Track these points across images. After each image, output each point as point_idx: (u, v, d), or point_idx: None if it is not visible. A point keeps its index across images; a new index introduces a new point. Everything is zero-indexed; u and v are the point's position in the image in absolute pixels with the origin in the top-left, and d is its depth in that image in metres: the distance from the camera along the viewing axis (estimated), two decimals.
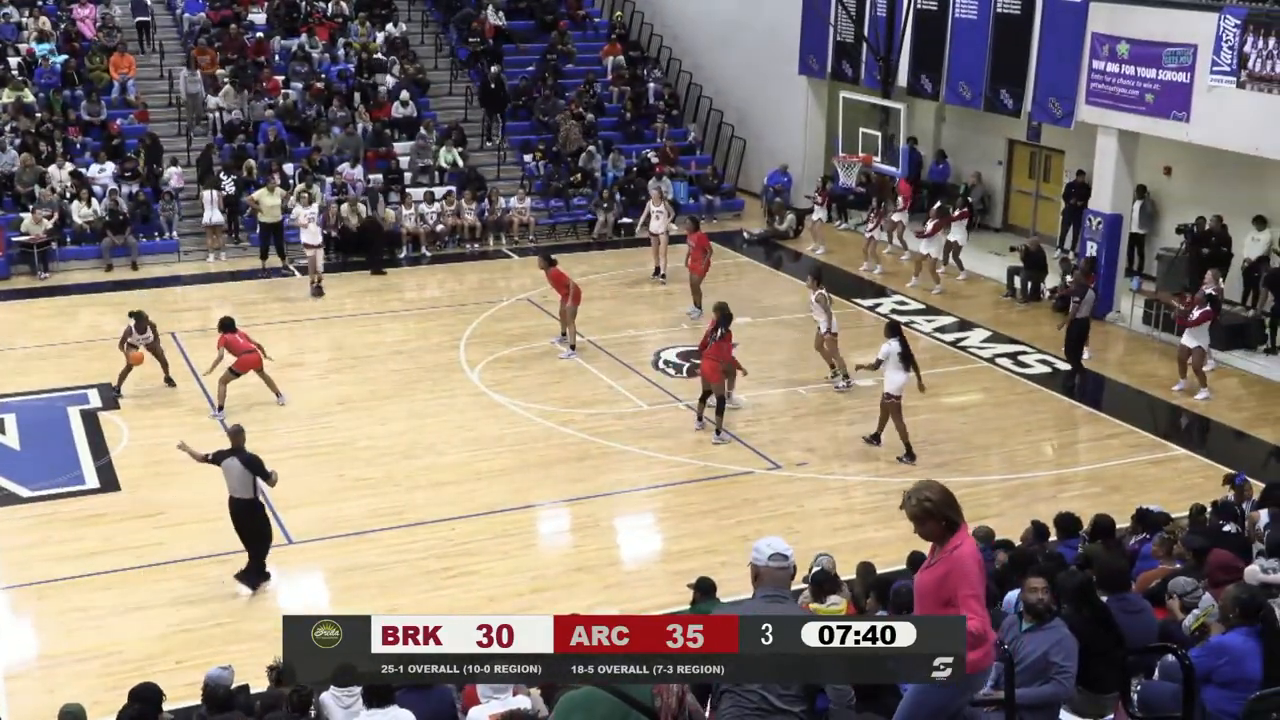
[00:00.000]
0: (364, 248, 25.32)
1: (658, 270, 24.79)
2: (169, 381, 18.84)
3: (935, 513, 6.03)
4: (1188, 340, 18.84)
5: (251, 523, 13.45)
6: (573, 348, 20.36)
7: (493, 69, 29.30)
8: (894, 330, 16.81)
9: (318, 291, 23.34)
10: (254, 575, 13.49)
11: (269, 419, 17.72)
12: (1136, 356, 20.84)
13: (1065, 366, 20.08)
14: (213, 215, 25.37)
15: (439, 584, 13.61)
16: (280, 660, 9.63)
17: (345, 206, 25.57)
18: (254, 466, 13.31)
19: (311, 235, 23.32)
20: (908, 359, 16.47)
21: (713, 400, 17.19)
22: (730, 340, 17.14)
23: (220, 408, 17.79)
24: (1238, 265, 22.05)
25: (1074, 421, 18.53)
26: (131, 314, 18.54)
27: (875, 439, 16.95)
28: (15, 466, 16.38)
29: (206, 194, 25.45)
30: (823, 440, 17.51)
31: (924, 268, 24.04)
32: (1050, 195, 26.67)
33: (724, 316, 17.06)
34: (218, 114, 27.76)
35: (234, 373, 17.84)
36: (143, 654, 12.09)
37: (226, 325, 18.07)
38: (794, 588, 10.38)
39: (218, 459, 13.47)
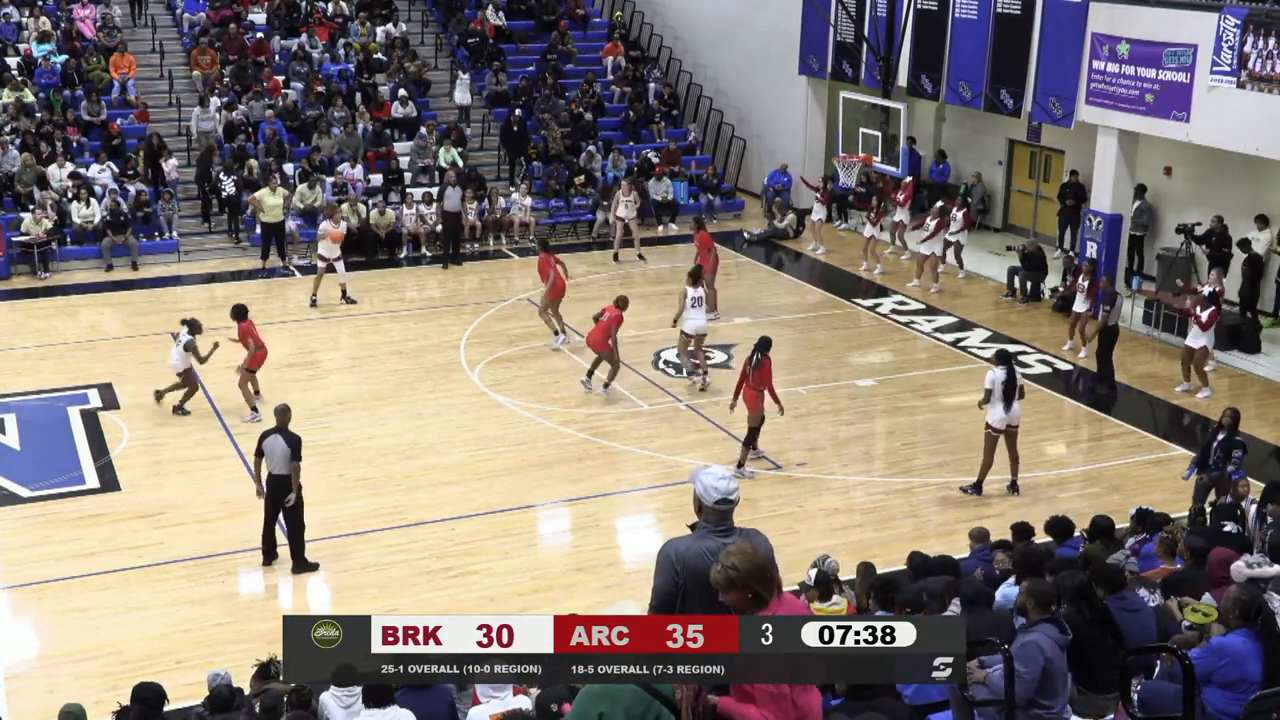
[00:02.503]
0: (361, 248, 25.33)
1: (616, 256, 25.79)
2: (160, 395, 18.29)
3: (739, 583, 5.39)
4: (1192, 341, 18.82)
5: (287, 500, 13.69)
6: (557, 333, 20.70)
7: (517, 112, 28.90)
8: (1003, 359, 15.60)
9: (349, 300, 22.97)
10: (302, 562, 13.85)
11: (269, 419, 17.68)
12: (1137, 357, 20.83)
13: (1065, 366, 20.11)
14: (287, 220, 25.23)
15: (439, 584, 13.61)
16: (271, 657, 9.66)
17: (345, 206, 25.52)
18: (293, 446, 13.60)
19: (329, 249, 22.73)
20: (1012, 390, 15.32)
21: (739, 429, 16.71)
22: (769, 366, 16.16)
23: (255, 409, 17.65)
24: (1237, 265, 22.04)
25: (1074, 421, 18.53)
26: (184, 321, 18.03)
27: (1013, 486, 15.75)
28: (15, 466, 16.38)
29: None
30: (823, 440, 17.52)
31: (925, 267, 24.02)
32: (1050, 195, 26.66)
33: (761, 343, 16.32)
34: (218, 115, 27.73)
35: (250, 371, 17.78)
36: (143, 654, 12.10)
37: (242, 313, 17.92)
38: (792, 589, 10.44)
39: (260, 443, 13.75)
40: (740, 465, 16.08)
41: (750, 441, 16.22)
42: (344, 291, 22.97)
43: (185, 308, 23.29)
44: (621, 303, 18.92)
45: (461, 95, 29.82)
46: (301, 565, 13.80)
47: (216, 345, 17.88)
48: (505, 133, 28.87)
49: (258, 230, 25.69)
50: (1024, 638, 7.63)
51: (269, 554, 13.85)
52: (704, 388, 18.90)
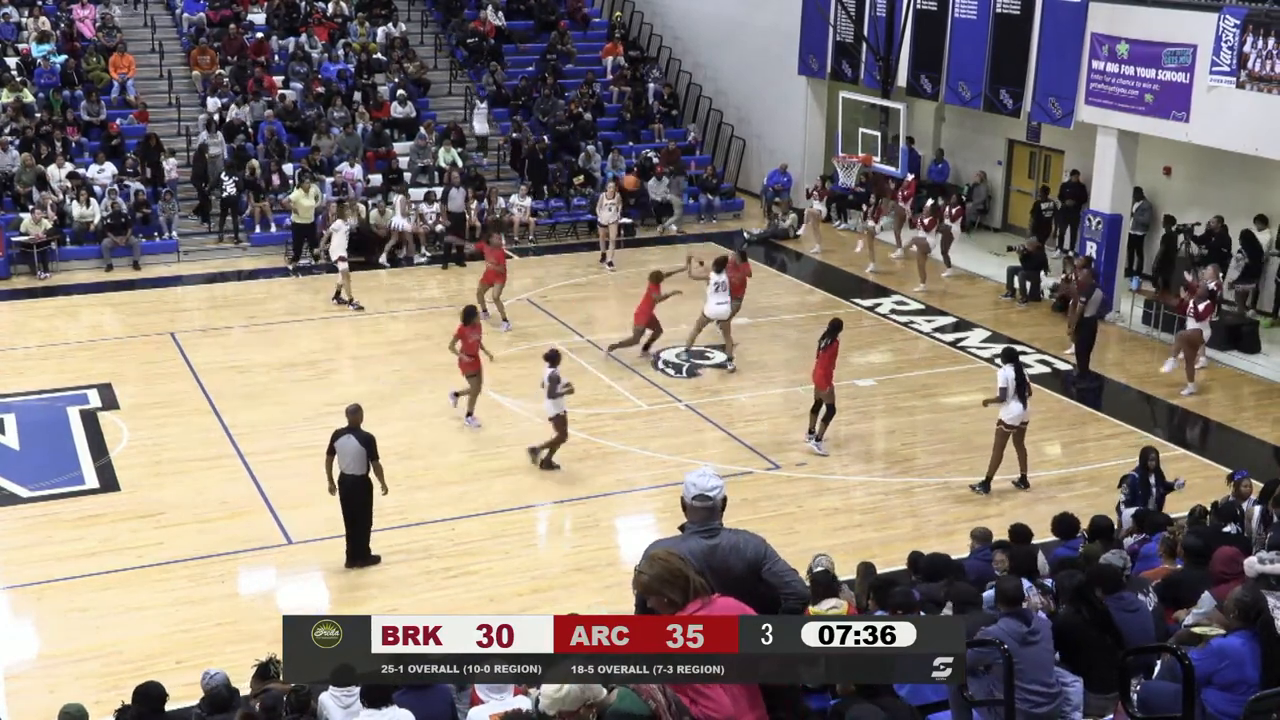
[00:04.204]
0: (361, 248, 25.34)
1: (604, 258, 25.33)
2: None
3: (652, 588, 5.32)
4: (1189, 326, 18.91)
5: (360, 499, 13.62)
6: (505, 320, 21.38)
7: (545, 138, 28.63)
8: (1010, 357, 15.82)
9: (359, 306, 22.63)
10: (359, 557, 13.75)
11: (270, 420, 17.74)
12: (1136, 356, 20.85)
13: (1064, 366, 20.11)
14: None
15: (439, 584, 13.62)
16: (270, 657, 9.65)
17: (344, 205, 25.51)
18: (369, 445, 13.52)
19: (339, 248, 22.69)
20: (1023, 387, 15.54)
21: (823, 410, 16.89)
22: (835, 351, 16.65)
23: (470, 413, 17.48)
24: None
25: (1074, 421, 18.53)
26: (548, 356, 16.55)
27: (1023, 481, 15.90)
28: (15, 467, 16.37)
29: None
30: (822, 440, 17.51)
31: (926, 266, 24.00)
32: (1050, 195, 26.65)
33: (832, 325, 16.79)
34: (217, 114, 27.73)
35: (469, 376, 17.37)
36: (143, 654, 12.09)
37: (468, 315, 17.44)
38: None
39: (332, 442, 13.65)
40: (810, 432, 16.93)
41: (815, 410, 16.82)
42: (338, 292, 22.87)
43: (186, 308, 23.37)
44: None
45: (480, 125, 29.32)
46: (365, 559, 13.78)
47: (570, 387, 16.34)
48: (534, 163, 28.28)
49: (257, 229, 25.75)
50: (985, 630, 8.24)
51: (352, 556, 13.81)
52: (732, 369, 19.78)
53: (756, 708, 5.29)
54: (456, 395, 17.69)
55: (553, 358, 16.29)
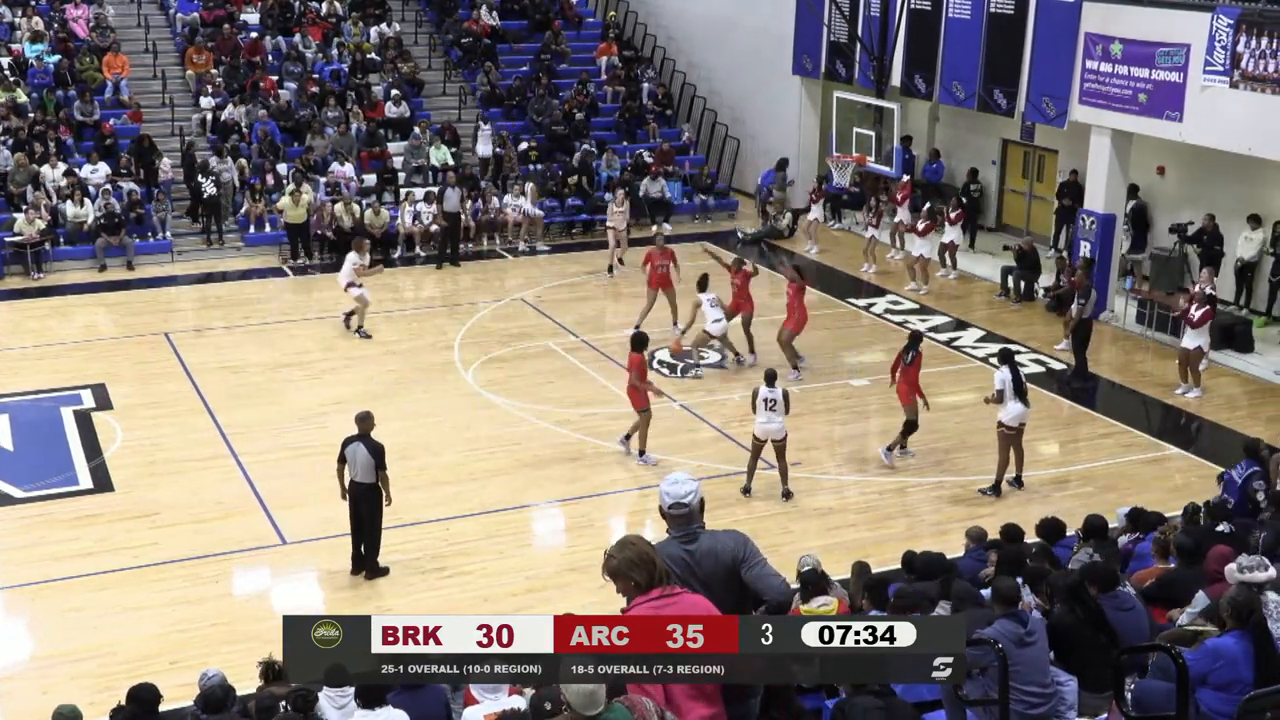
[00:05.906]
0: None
1: (610, 268, 24.63)
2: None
3: (619, 572, 5.57)
4: (1188, 342, 18.85)
5: (370, 508, 13.55)
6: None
7: (510, 150, 28.46)
8: (1006, 358, 15.84)
9: None
10: (371, 570, 13.67)
11: (264, 420, 17.72)
12: (1131, 356, 20.88)
13: (1058, 366, 20.13)
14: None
15: (434, 584, 13.62)
16: (272, 657, 9.65)
17: (340, 206, 25.52)
18: (378, 455, 13.44)
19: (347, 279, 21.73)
20: (1021, 388, 15.46)
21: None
22: (919, 363, 16.48)
23: (642, 452, 16.52)
24: (1230, 264, 22.10)
25: (1068, 421, 18.56)
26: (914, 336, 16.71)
27: (1017, 481, 15.82)
28: (9, 467, 16.34)
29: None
30: (817, 440, 17.53)
31: (917, 268, 24.02)
32: (1043, 195, 26.71)
33: (914, 338, 16.73)
34: (210, 114, 27.69)
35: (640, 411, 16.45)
36: (138, 654, 12.08)
37: (638, 343, 16.59)
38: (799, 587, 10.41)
39: (343, 450, 13.59)
40: (891, 450, 16.58)
41: (905, 431, 16.54)
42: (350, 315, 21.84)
43: (179, 308, 23.33)
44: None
45: (484, 147, 28.64)
46: (376, 571, 13.69)
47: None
48: (496, 157, 28.18)
49: (252, 229, 25.73)
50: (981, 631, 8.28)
51: (358, 563, 13.74)
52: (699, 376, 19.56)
53: (715, 702, 5.33)
54: (627, 438, 16.74)
55: (770, 377, 15.55)
